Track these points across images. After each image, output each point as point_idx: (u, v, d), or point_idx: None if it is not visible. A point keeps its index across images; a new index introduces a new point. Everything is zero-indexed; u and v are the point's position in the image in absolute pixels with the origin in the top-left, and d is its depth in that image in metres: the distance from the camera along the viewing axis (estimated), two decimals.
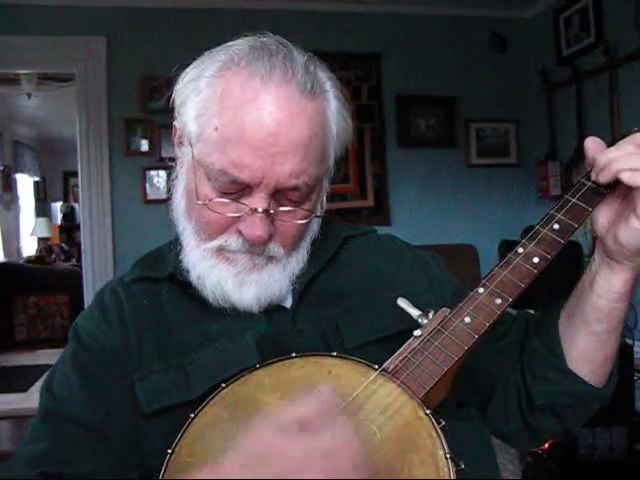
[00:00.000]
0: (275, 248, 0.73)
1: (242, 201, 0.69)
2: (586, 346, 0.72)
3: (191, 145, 0.71)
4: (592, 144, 0.69)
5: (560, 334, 0.74)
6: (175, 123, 0.76)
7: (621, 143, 0.66)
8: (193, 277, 0.74)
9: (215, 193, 0.69)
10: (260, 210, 0.68)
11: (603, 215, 0.69)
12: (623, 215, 0.66)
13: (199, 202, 0.70)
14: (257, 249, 0.72)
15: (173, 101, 0.74)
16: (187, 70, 0.73)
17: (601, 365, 0.73)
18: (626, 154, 0.64)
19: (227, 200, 0.69)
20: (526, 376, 0.77)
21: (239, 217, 0.69)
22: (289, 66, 0.67)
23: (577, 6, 2.84)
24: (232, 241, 0.71)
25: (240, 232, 0.70)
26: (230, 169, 0.67)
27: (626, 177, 0.63)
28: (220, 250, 0.72)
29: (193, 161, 0.71)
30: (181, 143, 0.75)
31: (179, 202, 0.76)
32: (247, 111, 0.66)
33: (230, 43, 0.72)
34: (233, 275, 0.72)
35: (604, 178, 0.65)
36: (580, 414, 0.78)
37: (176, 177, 0.77)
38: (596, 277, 0.70)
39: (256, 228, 0.68)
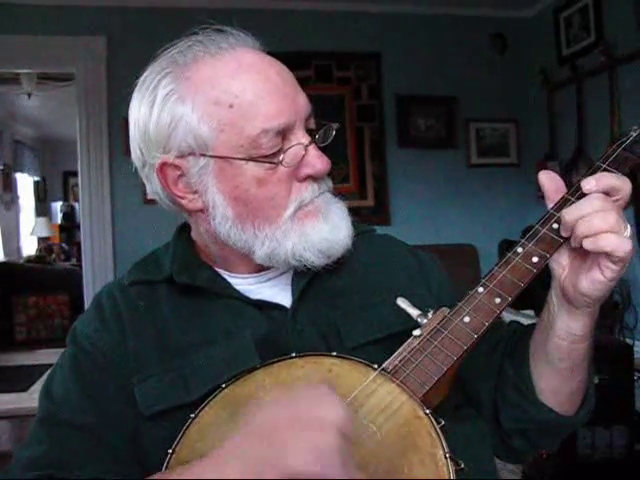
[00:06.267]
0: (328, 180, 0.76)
1: (288, 150, 0.70)
2: (552, 380, 0.72)
3: (206, 151, 0.69)
4: (547, 181, 0.68)
5: (530, 362, 0.74)
6: (161, 162, 0.73)
7: (588, 198, 0.62)
8: (284, 258, 0.72)
9: (257, 170, 0.69)
10: (309, 140, 0.71)
11: (561, 259, 0.67)
12: (584, 265, 0.64)
13: (268, 169, 0.69)
14: (325, 185, 0.74)
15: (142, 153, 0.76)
16: (136, 124, 0.77)
17: (568, 397, 0.73)
18: (592, 211, 0.61)
19: (273, 164, 0.69)
20: (497, 398, 0.77)
21: (297, 167, 0.70)
22: (234, 34, 0.74)
23: (577, 6, 2.84)
24: (304, 192, 0.72)
25: (305, 179, 0.71)
26: (269, 122, 0.68)
27: (588, 244, 0.61)
28: (299, 209, 0.72)
29: (217, 164, 0.70)
30: (181, 177, 0.72)
31: (226, 216, 0.72)
32: (245, 72, 0.69)
33: (154, 65, 0.77)
34: (325, 219, 0.73)
35: (575, 243, 0.63)
36: (549, 439, 0.79)
37: (205, 210, 0.73)
38: (555, 319, 0.68)
39: (318, 157, 0.71)
